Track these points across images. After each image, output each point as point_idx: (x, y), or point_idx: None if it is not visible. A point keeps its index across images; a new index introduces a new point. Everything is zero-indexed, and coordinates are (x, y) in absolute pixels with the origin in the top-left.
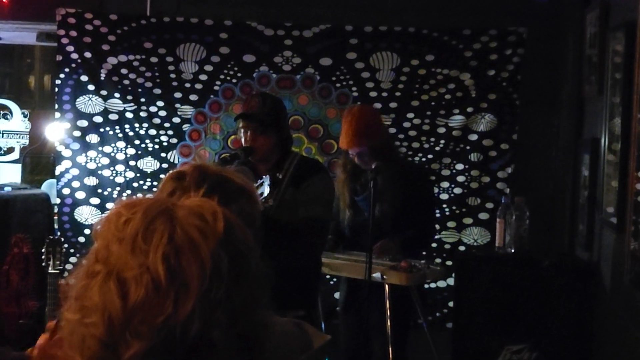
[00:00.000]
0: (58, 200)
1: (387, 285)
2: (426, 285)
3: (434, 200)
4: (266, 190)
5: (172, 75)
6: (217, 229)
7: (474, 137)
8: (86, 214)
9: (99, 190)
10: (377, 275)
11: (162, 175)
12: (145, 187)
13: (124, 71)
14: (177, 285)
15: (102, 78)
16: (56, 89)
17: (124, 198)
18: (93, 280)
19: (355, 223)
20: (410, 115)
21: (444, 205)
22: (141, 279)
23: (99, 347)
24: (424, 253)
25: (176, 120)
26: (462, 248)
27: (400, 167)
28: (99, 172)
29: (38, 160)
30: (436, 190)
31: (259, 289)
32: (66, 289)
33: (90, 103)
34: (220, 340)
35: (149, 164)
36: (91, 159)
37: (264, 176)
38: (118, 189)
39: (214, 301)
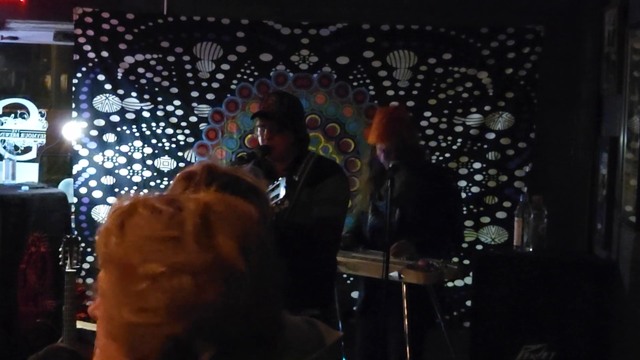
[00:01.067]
0: (75, 200)
1: (404, 285)
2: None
3: (460, 207)
4: (282, 192)
5: (189, 74)
6: (253, 215)
7: (491, 135)
8: (103, 213)
9: (116, 190)
10: (394, 274)
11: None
12: (162, 186)
13: (140, 70)
14: (256, 274)
15: (119, 77)
16: (73, 88)
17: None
18: (156, 283)
19: (375, 225)
20: (428, 113)
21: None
22: (214, 275)
23: (173, 348)
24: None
25: (193, 119)
26: (479, 247)
27: (424, 171)
28: (116, 171)
29: (55, 160)
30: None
31: (267, 285)
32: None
33: (107, 102)
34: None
35: (165, 163)
36: (108, 158)
37: (280, 178)
38: (135, 188)
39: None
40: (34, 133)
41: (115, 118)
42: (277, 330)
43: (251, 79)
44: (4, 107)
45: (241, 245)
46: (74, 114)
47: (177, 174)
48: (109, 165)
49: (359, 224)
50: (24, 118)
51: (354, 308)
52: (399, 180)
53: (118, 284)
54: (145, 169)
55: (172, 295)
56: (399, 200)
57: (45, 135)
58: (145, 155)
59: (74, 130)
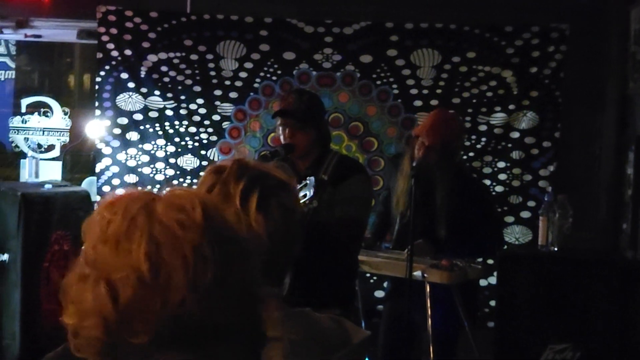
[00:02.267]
0: (98, 198)
1: (427, 285)
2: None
3: (495, 212)
4: (310, 192)
5: (212, 73)
6: (197, 219)
7: (515, 134)
8: None
9: (139, 188)
10: (417, 273)
11: (201, 173)
12: (185, 184)
13: (164, 69)
14: (163, 279)
15: (142, 75)
16: (96, 87)
17: (107, 196)
18: (85, 284)
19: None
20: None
21: None
22: (128, 279)
23: (102, 347)
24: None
25: (216, 117)
26: (503, 247)
27: (463, 182)
28: (139, 169)
29: (78, 158)
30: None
31: (253, 269)
32: (63, 292)
33: (130, 100)
34: (223, 322)
35: (188, 162)
36: (131, 157)
37: (308, 178)
38: (158, 186)
39: (204, 288)
40: (58, 131)
41: (138, 116)
42: (262, 309)
43: (274, 78)
44: (28, 106)
45: (150, 252)
46: (97, 112)
47: (207, 168)
48: (132, 163)
49: (381, 220)
50: (47, 116)
51: (379, 307)
52: (439, 194)
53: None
54: (168, 167)
55: (96, 299)
56: (445, 214)
57: (68, 134)
58: (168, 153)
59: (97, 128)
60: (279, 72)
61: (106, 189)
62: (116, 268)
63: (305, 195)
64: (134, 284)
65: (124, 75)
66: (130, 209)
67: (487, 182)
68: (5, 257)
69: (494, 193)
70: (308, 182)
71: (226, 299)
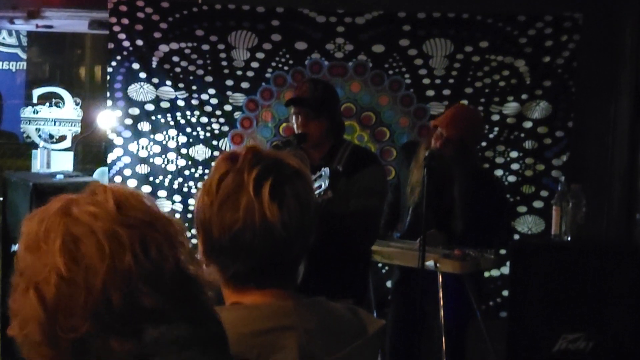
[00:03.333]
0: None
1: (440, 274)
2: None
3: (506, 208)
4: (326, 182)
5: (224, 63)
6: (109, 209)
7: (528, 124)
8: None
9: (151, 178)
10: (430, 263)
11: (213, 164)
12: (196, 175)
13: (175, 59)
14: (82, 271)
15: (154, 66)
16: (108, 77)
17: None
18: (19, 294)
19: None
20: (464, 102)
21: None
22: (49, 278)
23: (47, 349)
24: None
25: (228, 108)
26: (516, 237)
27: (477, 177)
28: (151, 160)
29: (90, 148)
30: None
31: (172, 249)
32: (9, 308)
33: (141, 91)
34: (152, 304)
35: (200, 152)
36: (143, 147)
37: (322, 168)
38: (169, 177)
39: (123, 272)
40: (69, 122)
41: (150, 107)
42: (196, 286)
43: (286, 68)
44: (39, 97)
45: (65, 247)
46: (109, 102)
47: (220, 155)
48: (143, 154)
49: (392, 210)
50: (58, 107)
51: (389, 297)
52: (456, 189)
53: None
54: (179, 157)
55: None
56: (459, 210)
57: (80, 124)
58: (179, 144)
59: (108, 119)
60: (291, 62)
61: (118, 179)
62: (39, 271)
63: (320, 186)
64: (55, 281)
65: (136, 66)
66: (47, 214)
67: (500, 172)
68: (17, 247)
69: (506, 183)
70: (323, 173)
71: (150, 281)
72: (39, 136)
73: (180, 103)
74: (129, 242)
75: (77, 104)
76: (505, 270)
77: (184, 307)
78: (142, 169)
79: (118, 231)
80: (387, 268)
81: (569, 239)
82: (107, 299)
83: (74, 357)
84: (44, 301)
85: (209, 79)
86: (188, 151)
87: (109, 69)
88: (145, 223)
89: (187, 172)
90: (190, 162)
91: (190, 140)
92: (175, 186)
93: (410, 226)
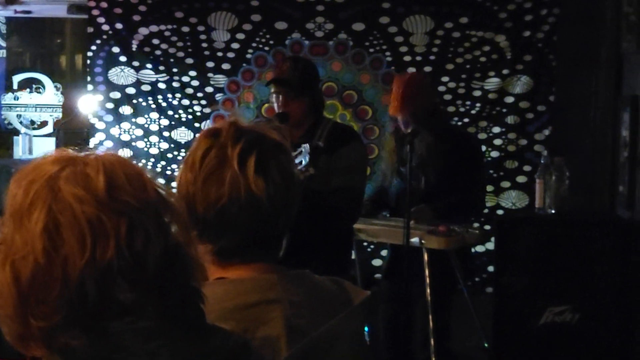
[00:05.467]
0: None
1: (425, 251)
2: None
3: (481, 169)
4: (306, 158)
5: (204, 45)
6: (98, 189)
7: (510, 99)
8: None
9: (134, 162)
10: (415, 240)
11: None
12: (179, 157)
13: (155, 41)
14: (60, 260)
15: (134, 49)
16: (88, 61)
17: (22, 166)
18: None
19: (400, 192)
20: (445, 79)
21: None
22: (27, 260)
23: (16, 325)
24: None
25: (209, 89)
26: (500, 212)
27: (447, 135)
28: (133, 143)
29: (72, 134)
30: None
31: (162, 234)
32: None
33: (122, 74)
34: (129, 299)
35: (182, 135)
36: (125, 131)
37: (302, 145)
38: (152, 160)
39: (103, 266)
40: (50, 107)
41: (131, 90)
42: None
43: (267, 48)
44: (19, 83)
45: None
46: (90, 87)
47: (202, 131)
48: (125, 137)
49: (381, 190)
50: (39, 93)
51: (377, 275)
52: (421, 145)
53: None
54: (162, 140)
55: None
56: (423, 165)
57: (61, 109)
58: (162, 127)
59: (89, 103)
60: (271, 42)
61: None
62: (18, 247)
63: (300, 163)
64: (31, 266)
65: (116, 49)
66: (34, 183)
67: (483, 147)
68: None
69: (489, 158)
70: (303, 149)
71: (131, 275)
72: (20, 122)
73: (162, 86)
74: (113, 232)
75: (57, 89)
76: (491, 245)
77: (161, 298)
78: (125, 153)
79: (103, 219)
80: (372, 247)
81: (553, 212)
82: (82, 292)
83: (42, 342)
84: (19, 281)
85: (189, 61)
86: (170, 134)
87: (89, 53)
88: (135, 209)
89: (169, 155)
90: (172, 145)
91: (172, 123)
92: (159, 169)
93: (397, 204)
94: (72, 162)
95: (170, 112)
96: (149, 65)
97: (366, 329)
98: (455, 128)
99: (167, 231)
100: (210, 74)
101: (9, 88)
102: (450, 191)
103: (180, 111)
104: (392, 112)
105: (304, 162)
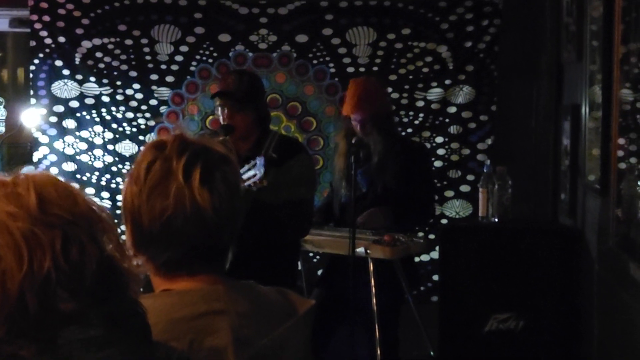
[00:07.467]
0: None
1: (370, 261)
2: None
3: (432, 180)
4: (260, 171)
5: (148, 57)
6: (30, 205)
7: (452, 109)
8: None
9: (78, 176)
10: (360, 250)
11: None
12: (124, 171)
13: (98, 55)
14: None
15: (77, 62)
16: (31, 75)
17: None
18: None
19: (347, 201)
20: (389, 89)
21: None
22: None
23: None
24: (417, 228)
25: (153, 102)
26: (444, 221)
27: (401, 140)
28: (77, 157)
29: (15, 149)
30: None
31: (96, 246)
32: None
33: (65, 88)
34: (70, 308)
35: (127, 148)
36: (69, 145)
37: (257, 157)
38: (97, 173)
39: (42, 278)
40: None
41: (74, 104)
42: (123, 292)
43: (210, 60)
44: None
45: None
46: (33, 100)
47: (147, 143)
48: (69, 151)
49: (329, 200)
50: None
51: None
52: (377, 148)
53: None
54: (106, 154)
55: None
56: (380, 168)
57: (4, 124)
58: (106, 140)
59: (33, 117)
60: (215, 54)
61: None
62: None
63: (255, 175)
64: None
65: (59, 63)
66: None
67: None
68: None
69: (433, 169)
70: (257, 162)
71: (69, 285)
72: None
73: (105, 99)
74: (48, 244)
75: (0, 104)
76: (435, 255)
77: (103, 307)
78: (69, 166)
79: (37, 233)
80: (318, 257)
81: (496, 220)
82: (23, 305)
83: None
84: None
85: (133, 73)
86: (115, 147)
87: (32, 67)
88: (68, 222)
89: (114, 169)
90: (117, 158)
91: (117, 136)
92: (103, 183)
93: (342, 214)
94: (2, 185)
95: (114, 125)
96: (92, 79)
97: None
98: (407, 138)
99: (100, 243)
100: (154, 87)
101: None
102: (406, 195)
103: (125, 124)
104: (348, 112)
105: (258, 174)
